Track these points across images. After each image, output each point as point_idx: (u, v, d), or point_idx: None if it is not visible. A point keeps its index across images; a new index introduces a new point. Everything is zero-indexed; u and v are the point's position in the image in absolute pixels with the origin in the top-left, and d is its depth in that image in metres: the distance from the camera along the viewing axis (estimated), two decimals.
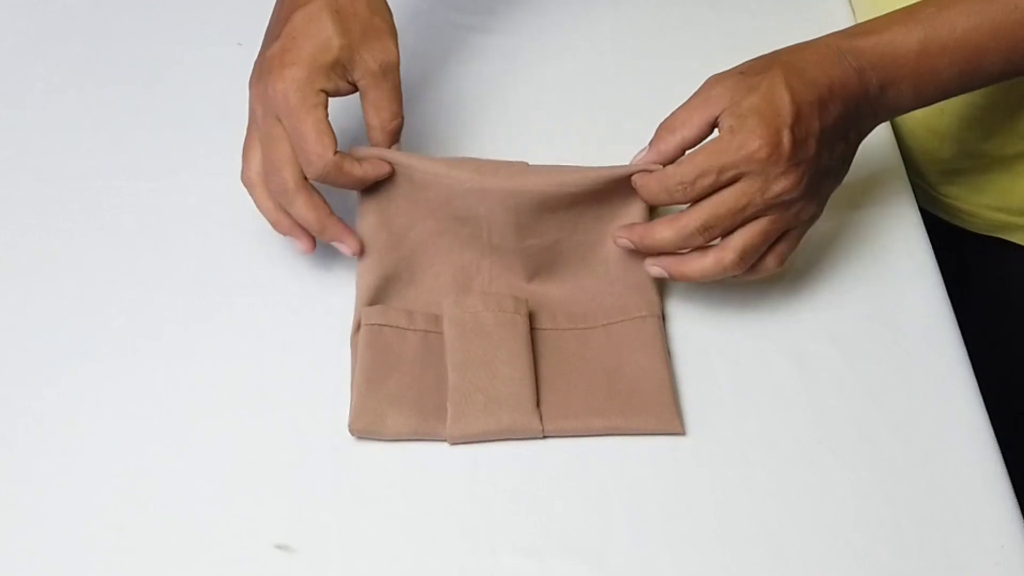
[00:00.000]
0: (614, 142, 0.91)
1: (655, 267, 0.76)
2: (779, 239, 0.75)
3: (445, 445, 0.73)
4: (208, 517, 0.70)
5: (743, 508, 0.70)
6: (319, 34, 0.74)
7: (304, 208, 0.75)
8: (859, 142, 0.77)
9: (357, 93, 0.77)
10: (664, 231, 0.74)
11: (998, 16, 0.74)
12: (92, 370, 0.77)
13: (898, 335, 0.78)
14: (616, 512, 0.70)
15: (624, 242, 0.76)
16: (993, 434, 0.74)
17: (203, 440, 0.73)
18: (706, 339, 0.78)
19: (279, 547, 0.68)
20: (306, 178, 0.75)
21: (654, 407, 0.74)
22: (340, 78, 0.75)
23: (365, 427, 0.73)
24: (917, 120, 0.90)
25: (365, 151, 0.76)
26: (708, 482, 0.72)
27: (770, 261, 0.75)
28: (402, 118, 0.77)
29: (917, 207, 0.87)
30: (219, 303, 0.80)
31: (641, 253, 0.76)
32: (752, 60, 0.76)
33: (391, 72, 0.76)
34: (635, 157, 0.76)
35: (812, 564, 0.68)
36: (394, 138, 0.78)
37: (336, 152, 0.73)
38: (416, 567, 0.68)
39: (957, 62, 0.75)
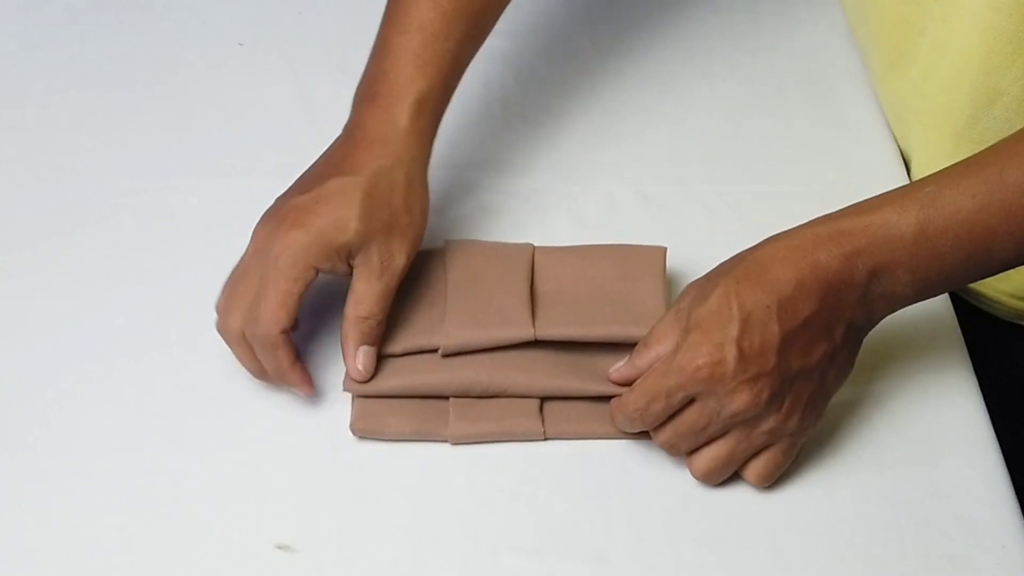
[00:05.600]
0: (614, 143, 0.91)
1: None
2: (759, 454, 0.70)
3: (446, 445, 0.73)
4: (209, 516, 0.70)
5: (744, 508, 0.70)
6: (342, 211, 0.72)
7: (281, 360, 0.72)
8: (855, 338, 0.70)
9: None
10: (634, 427, 0.71)
11: (1008, 197, 0.66)
12: (92, 370, 0.77)
13: (899, 335, 0.78)
14: (616, 512, 0.70)
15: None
16: (994, 434, 0.74)
17: (204, 440, 0.73)
18: None
19: (279, 547, 0.68)
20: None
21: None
22: (342, 260, 0.72)
23: (366, 427, 0.73)
24: None
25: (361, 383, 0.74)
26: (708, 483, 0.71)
27: (750, 478, 0.70)
28: (378, 321, 0.73)
29: None
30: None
31: None
32: (725, 261, 0.70)
33: (389, 275, 0.73)
34: (613, 369, 0.72)
35: (813, 565, 0.68)
36: (363, 336, 0.73)
37: (283, 332, 0.71)
38: (416, 567, 0.68)
39: (962, 246, 0.67)
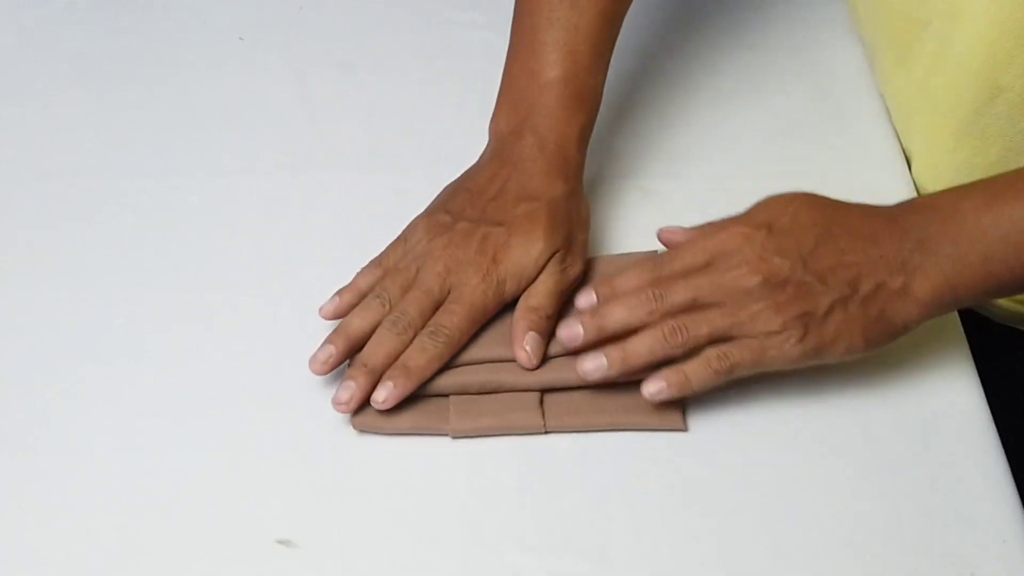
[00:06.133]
0: (615, 138, 0.91)
1: (591, 363, 0.72)
2: (724, 341, 0.71)
3: (447, 440, 0.73)
4: (210, 512, 0.70)
5: (744, 504, 0.70)
6: (532, 239, 0.76)
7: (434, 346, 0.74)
8: (877, 308, 0.70)
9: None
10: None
11: None
12: (93, 368, 0.77)
13: None
14: (617, 508, 0.70)
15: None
16: (995, 429, 0.74)
17: (205, 436, 0.73)
18: None
19: (281, 542, 0.68)
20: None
21: (657, 404, 0.74)
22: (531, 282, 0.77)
23: (367, 422, 0.73)
24: None
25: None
26: (709, 478, 0.71)
27: (697, 361, 0.71)
28: (548, 315, 0.75)
29: None
30: (221, 300, 0.81)
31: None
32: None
33: (564, 278, 0.77)
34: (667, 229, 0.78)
35: (813, 559, 0.68)
36: (531, 324, 0.74)
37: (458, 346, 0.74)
38: (417, 563, 0.68)
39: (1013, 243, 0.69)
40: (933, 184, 0.86)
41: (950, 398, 0.75)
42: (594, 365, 0.72)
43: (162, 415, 0.74)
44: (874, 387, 0.75)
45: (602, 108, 0.84)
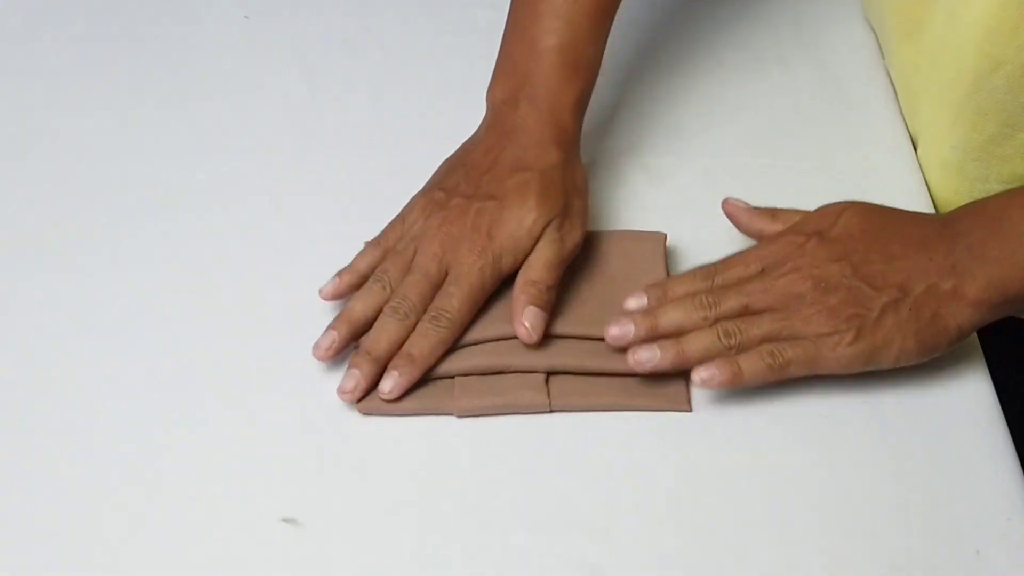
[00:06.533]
0: (617, 115, 0.91)
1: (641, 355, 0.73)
2: (776, 341, 0.71)
3: (452, 420, 0.73)
4: (215, 491, 0.70)
5: (749, 484, 0.70)
6: (524, 210, 0.75)
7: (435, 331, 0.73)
8: (930, 309, 0.71)
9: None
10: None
11: None
12: (99, 347, 0.77)
13: None
14: (623, 488, 0.70)
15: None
16: (1000, 410, 0.74)
17: (210, 415, 0.73)
18: None
19: (286, 521, 0.68)
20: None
21: (661, 384, 0.74)
22: (528, 252, 0.76)
23: (373, 405, 0.73)
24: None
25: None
26: (714, 458, 0.71)
27: (751, 354, 0.71)
28: (547, 287, 0.74)
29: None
30: (226, 279, 0.81)
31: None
32: None
33: (562, 246, 0.76)
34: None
35: (818, 539, 0.68)
36: (530, 298, 0.74)
37: (462, 327, 0.74)
38: (421, 542, 0.68)
39: None
40: (936, 164, 0.86)
41: (957, 380, 0.75)
42: (648, 355, 0.72)
43: (168, 393, 0.74)
44: (881, 370, 0.75)
45: (604, 84, 0.84)
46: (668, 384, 0.74)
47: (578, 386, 0.74)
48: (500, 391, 0.73)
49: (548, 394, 0.73)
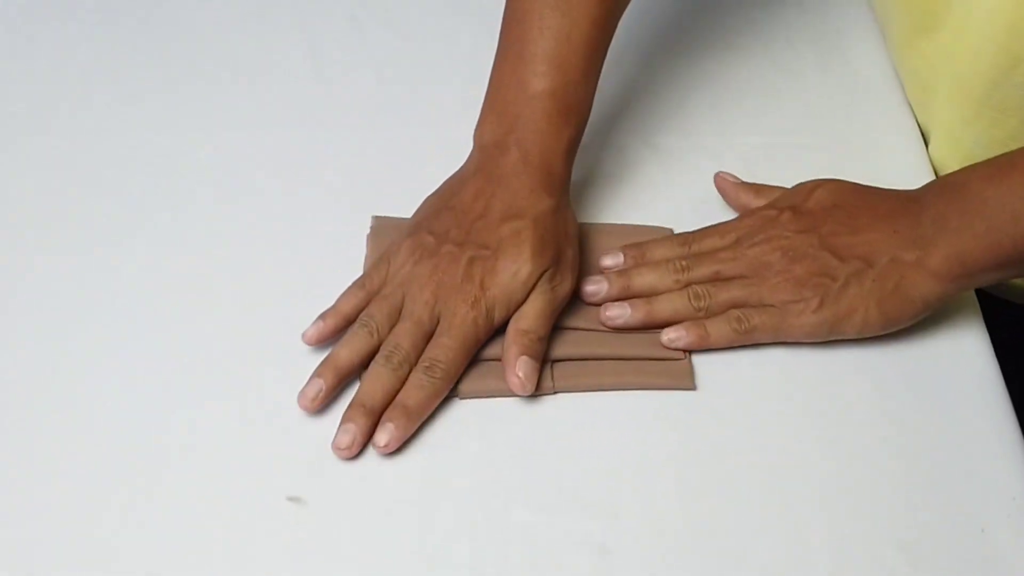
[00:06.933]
0: (624, 95, 0.91)
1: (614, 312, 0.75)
2: (744, 308, 0.74)
3: (455, 400, 0.73)
4: (221, 470, 0.70)
5: (754, 462, 0.70)
6: (520, 260, 0.74)
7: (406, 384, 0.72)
8: (893, 278, 0.73)
9: None
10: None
11: None
12: (106, 324, 0.77)
13: None
14: (627, 467, 0.70)
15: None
16: (1006, 388, 0.74)
17: (216, 394, 0.73)
18: None
19: (291, 499, 0.68)
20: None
21: (665, 364, 0.74)
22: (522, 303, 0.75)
23: None
24: None
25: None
26: (718, 437, 0.71)
27: (719, 319, 0.74)
28: (539, 337, 0.73)
29: None
30: (231, 256, 0.81)
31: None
32: None
33: (554, 296, 0.74)
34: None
35: (822, 519, 0.68)
36: (523, 348, 0.72)
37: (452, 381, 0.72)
38: (426, 521, 0.68)
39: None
40: (951, 159, 0.86)
41: (962, 357, 0.75)
42: (618, 312, 0.75)
43: (174, 371, 0.74)
44: (885, 347, 0.75)
45: (612, 66, 0.83)
46: (672, 363, 0.74)
47: (582, 367, 0.74)
48: (503, 374, 0.73)
49: (552, 376, 0.73)
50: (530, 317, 0.74)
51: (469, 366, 0.73)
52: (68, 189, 0.85)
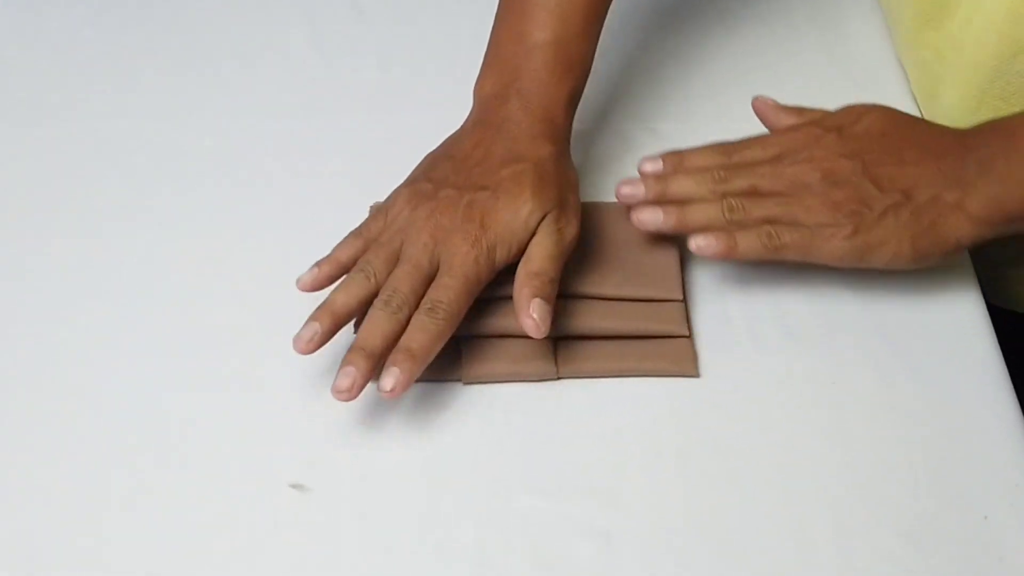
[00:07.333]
0: (625, 81, 0.91)
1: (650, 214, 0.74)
2: (776, 224, 0.73)
3: (459, 386, 0.73)
4: (223, 457, 0.70)
5: (757, 449, 0.70)
6: (519, 201, 0.73)
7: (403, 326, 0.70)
8: (931, 214, 0.72)
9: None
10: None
11: None
12: (107, 310, 0.77)
13: (912, 275, 0.77)
14: (629, 453, 0.70)
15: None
16: (1008, 376, 0.73)
17: (218, 380, 0.73)
18: (721, 281, 0.78)
19: (293, 486, 0.68)
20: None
21: (669, 349, 0.74)
22: (524, 246, 0.74)
23: (380, 373, 0.72)
24: None
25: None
26: (722, 423, 0.71)
27: (749, 232, 0.72)
28: (551, 279, 0.72)
29: None
30: (234, 242, 0.81)
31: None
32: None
33: (561, 240, 0.73)
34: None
35: (826, 505, 0.68)
36: (535, 290, 0.71)
37: (457, 318, 0.70)
38: (429, 507, 0.68)
39: None
40: None
41: (964, 345, 0.75)
42: (650, 216, 0.74)
43: (174, 358, 0.74)
44: (889, 334, 0.75)
45: (611, 50, 0.84)
46: (676, 349, 0.74)
47: (585, 352, 0.74)
48: (507, 358, 0.73)
49: (555, 362, 0.73)
50: (539, 259, 0.72)
51: (472, 348, 0.73)
52: (69, 177, 0.85)
